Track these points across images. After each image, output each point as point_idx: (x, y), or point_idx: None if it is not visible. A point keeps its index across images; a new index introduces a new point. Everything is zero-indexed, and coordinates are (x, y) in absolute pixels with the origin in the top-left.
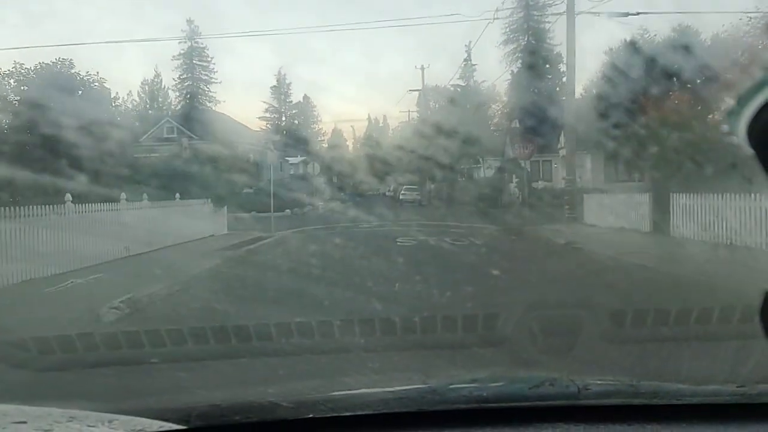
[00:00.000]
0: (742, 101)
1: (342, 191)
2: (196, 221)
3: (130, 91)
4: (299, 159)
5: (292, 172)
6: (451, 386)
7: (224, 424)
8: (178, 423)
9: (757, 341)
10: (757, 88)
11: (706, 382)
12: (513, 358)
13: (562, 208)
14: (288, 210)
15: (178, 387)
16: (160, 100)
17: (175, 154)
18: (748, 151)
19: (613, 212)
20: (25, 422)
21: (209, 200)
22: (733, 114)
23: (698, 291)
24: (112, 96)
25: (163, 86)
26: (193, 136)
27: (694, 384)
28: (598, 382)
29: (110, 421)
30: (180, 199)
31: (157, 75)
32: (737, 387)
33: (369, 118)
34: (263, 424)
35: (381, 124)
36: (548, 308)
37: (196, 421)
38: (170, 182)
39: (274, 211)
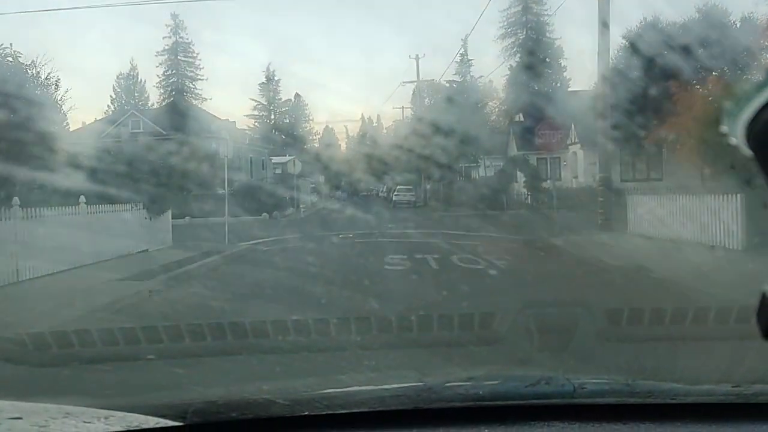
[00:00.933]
0: (741, 102)
1: (332, 192)
2: (116, 234)
3: (33, 60)
4: (288, 158)
5: (279, 171)
6: (447, 384)
7: (220, 420)
8: (174, 419)
9: (753, 342)
10: (756, 89)
11: (701, 382)
12: (509, 357)
13: (586, 212)
14: (266, 213)
15: (174, 383)
16: (136, 95)
17: (121, 150)
18: (747, 152)
19: (673, 219)
20: (20, 418)
21: (141, 205)
22: (730, 115)
23: None
24: (29, 74)
25: (140, 80)
26: (162, 131)
27: (689, 383)
28: (594, 380)
29: (106, 417)
30: (86, 203)
31: (134, 68)
32: (733, 387)
33: (363, 117)
34: (259, 421)
35: (375, 123)
36: (544, 306)
37: (193, 417)
38: (99, 182)
39: (250, 215)
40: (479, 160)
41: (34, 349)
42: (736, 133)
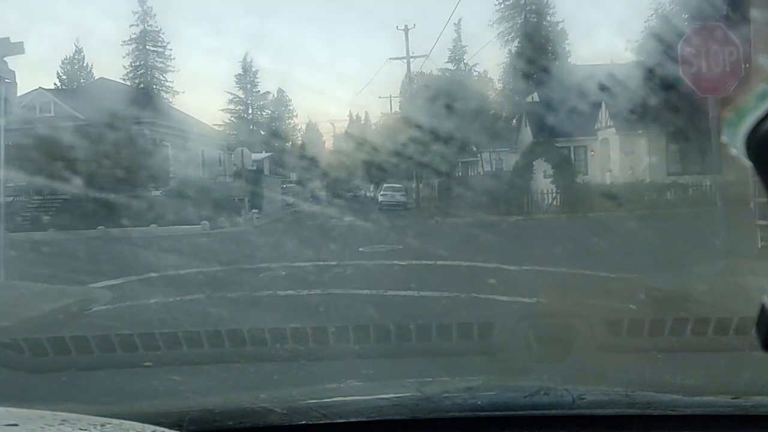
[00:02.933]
0: (741, 112)
1: (310, 193)
2: None
3: None
4: (264, 155)
5: (254, 167)
6: (445, 394)
7: (217, 429)
8: (171, 427)
9: (752, 353)
10: (757, 98)
11: (701, 393)
12: (508, 367)
13: (674, 220)
14: (206, 221)
15: (171, 391)
16: (82, 81)
17: None
18: (747, 163)
19: None
20: (16, 425)
21: None
22: (731, 125)
23: None
24: None
25: (85, 64)
26: (79, 116)
27: (689, 394)
28: (593, 391)
29: (102, 425)
30: None
31: (79, 51)
32: (732, 398)
33: (350, 114)
34: (256, 429)
35: (363, 121)
36: (543, 317)
37: (189, 425)
38: None
39: (187, 223)
40: (481, 154)
41: (30, 354)
42: (736, 144)
